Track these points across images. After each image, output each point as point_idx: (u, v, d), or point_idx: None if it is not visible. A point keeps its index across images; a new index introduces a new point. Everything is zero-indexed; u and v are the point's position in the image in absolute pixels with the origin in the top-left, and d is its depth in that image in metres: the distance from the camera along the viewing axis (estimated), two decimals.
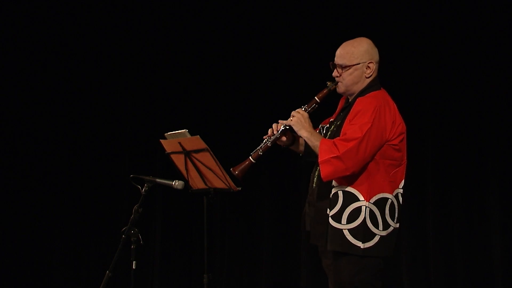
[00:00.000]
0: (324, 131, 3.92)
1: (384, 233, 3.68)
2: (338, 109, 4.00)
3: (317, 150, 3.65)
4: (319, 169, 3.67)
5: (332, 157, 3.56)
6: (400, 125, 3.73)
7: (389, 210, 3.69)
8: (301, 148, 4.02)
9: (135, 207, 3.99)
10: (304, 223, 3.90)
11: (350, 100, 3.85)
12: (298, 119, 3.74)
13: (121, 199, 6.57)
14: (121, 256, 3.97)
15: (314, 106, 3.82)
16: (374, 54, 3.83)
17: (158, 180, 4.06)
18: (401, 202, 3.78)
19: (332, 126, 3.88)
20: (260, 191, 6.30)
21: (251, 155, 3.77)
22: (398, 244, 5.78)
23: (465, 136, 5.74)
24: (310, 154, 3.87)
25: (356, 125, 3.63)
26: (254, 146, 3.89)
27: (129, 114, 6.77)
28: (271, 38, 6.41)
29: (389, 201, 3.70)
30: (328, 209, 3.66)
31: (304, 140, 3.81)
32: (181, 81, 6.70)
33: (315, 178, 3.81)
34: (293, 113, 3.78)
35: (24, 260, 6.71)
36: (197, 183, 4.14)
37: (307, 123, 3.76)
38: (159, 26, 6.74)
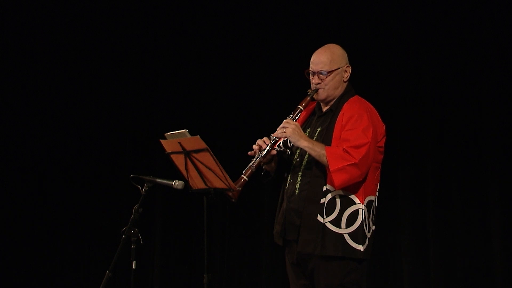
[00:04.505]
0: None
1: (369, 235, 3.67)
2: (305, 115, 3.89)
3: (323, 158, 3.54)
4: (314, 177, 3.63)
5: (348, 165, 3.49)
6: (383, 127, 3.74)
7: (372, 212, 3.70)
8: (274, 164, 3.86)
9: (135, 207, 3.98)
10: (283, 231, 3.75)
11: (329, 107, 3.78)
12: (293, 130, 3.61)
13: (121, 199, 6.57)
14: (121, 256, 3.97)
15: (299, 114, 3.77)
16: (347, 57, 3.84)
17: (158, 180, 4.05)
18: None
19: (313, 133, 3.77)
20: (260, 191, 6.29)
21: (243, 173, 3.69)
22: (398, 244, 5.81)
23: (465, 136, 5.73)
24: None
25: (357, 129, 3.58)
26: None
27: (129, 114, 6.77)
28: (271, 38, 6.40)
29: (373, 203, 3.71)
30: (318, 215, 3.59)
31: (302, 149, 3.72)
32: (181, 81, 6.70)
33: (297, 185, 3.71)
34: (283, 124, 3.65)
35: (25, 260, 6.71)
36: (197, 183, 4.12)
37: (302, 132, 3.67)
38: (159, 26, 6.74)
